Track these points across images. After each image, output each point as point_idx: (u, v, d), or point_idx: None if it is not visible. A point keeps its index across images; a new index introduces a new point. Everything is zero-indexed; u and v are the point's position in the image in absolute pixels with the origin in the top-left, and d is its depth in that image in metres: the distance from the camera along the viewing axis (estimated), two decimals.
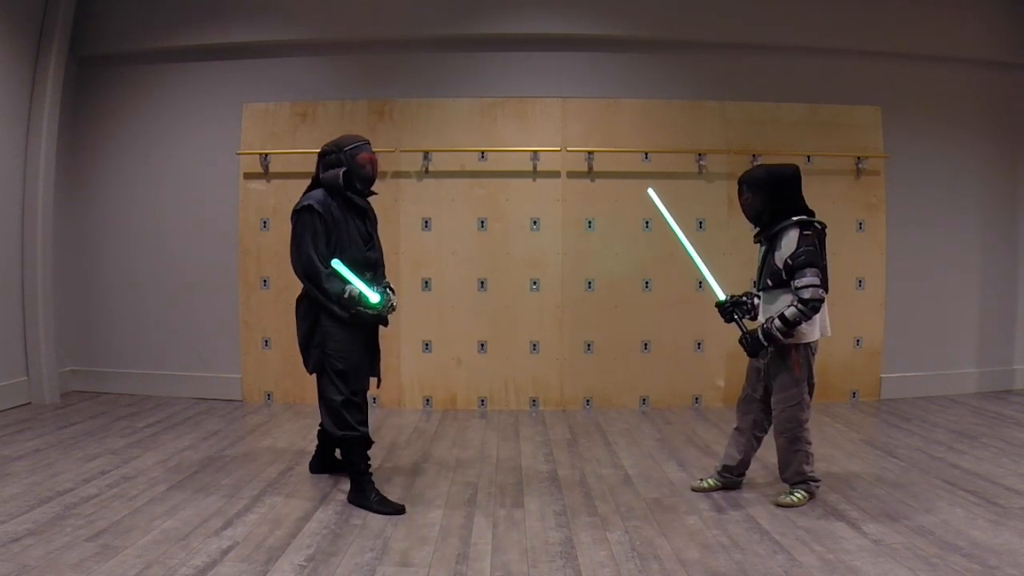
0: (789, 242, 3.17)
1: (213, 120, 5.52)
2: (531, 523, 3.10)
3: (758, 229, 3.34)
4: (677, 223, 3.55)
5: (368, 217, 3.50)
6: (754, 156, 5.35)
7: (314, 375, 3.41)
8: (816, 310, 3.13)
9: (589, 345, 5.41)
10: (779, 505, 3.27)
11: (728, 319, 3.39)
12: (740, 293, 3.44)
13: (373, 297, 3.24)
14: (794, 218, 3.20)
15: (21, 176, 5.24)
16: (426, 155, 5.35)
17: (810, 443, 3.31)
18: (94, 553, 2.70)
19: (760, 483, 3.59)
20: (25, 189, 5.25)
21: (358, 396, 3.37)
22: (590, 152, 5.34)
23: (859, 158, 5.47)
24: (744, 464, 3.47)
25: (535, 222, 5.41)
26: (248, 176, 5.46)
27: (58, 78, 5.32)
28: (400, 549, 2.82)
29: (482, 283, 5.40)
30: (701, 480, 3.53)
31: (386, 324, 3.52)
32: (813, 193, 5.37)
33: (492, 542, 2.90)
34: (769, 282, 3.25)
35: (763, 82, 5.52)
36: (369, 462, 3.38)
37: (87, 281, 5.73)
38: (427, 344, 5.41)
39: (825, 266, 3.21)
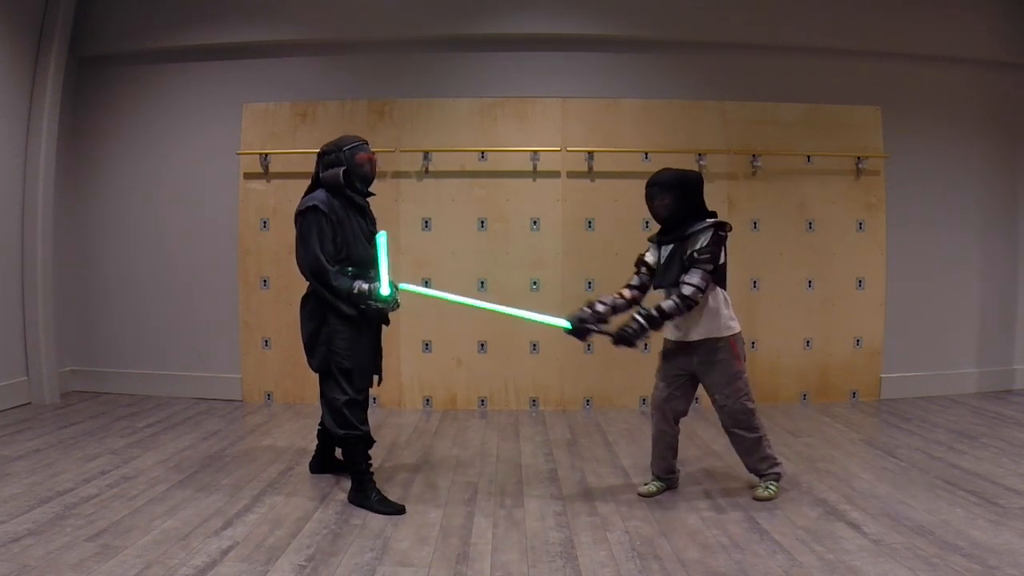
0: (703, 240, 3.26)
1: (213, 120, 5.52)
2: (531, 523, 3.10)
3: (660, 229, 3.42)
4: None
5: (367, 216, 3.51)
6: (754, 156, 5.36)
7: (317, 374, 3.41)
8: (690, 308, 3.24)
9: (589, 345, 5.40)
10: (758, 499, 3.33)
11: (584, 337, 3.36)
12: (576, 310, 3.36)
13: (384, 289, 3.24)
14: (709, 220, 3.31)
15: (21, 176, 5.24)
16: (426, 155, 5.35)
17: (763, 426, 3.41)
18: (94, 553, 2.70)
19: (759, 483, 3.58)
20: (25, 189, 5.25)
21: (362, 395, 3.38)
22: (590, 152, 5.34)
23: (859, 158, 5.47)
24: (675, 457, 3.52)
25: (535, 222, 5.40)
26: (248, 176, 5.46)
27: (58, 78, 5.32)
28: (400, 549, 2.82)
29: (482, 283, 5.40)
30: (646, 484, 3.50)
31: (387, 323, 3.53)
32: (813, 193, 5.50)
33: (492, 542, 2.90)
34: (674, 279, 3.33)
35: (763, 82, 5.51)
36: (370, 461, 3.38)
37: (87, 281, 5.73)
38: (427, 344, 5.41)
39: (725, 266, 3.34)
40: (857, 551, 2.77)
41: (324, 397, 3.37)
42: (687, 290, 3.21)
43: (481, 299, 5.35)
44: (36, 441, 4.25)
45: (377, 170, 3.55)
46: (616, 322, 3.35)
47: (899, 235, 5.58)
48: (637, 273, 3.47)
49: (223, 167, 5.48)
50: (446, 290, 5.34)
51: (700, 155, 5.31)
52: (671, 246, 3.36)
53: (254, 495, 3.39)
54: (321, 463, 3.75)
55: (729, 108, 5.46)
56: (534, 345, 5.41)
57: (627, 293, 3.45)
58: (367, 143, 3.47)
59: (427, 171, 5.38)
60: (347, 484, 3.45)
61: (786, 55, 5.52)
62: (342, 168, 3.34)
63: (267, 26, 5.41)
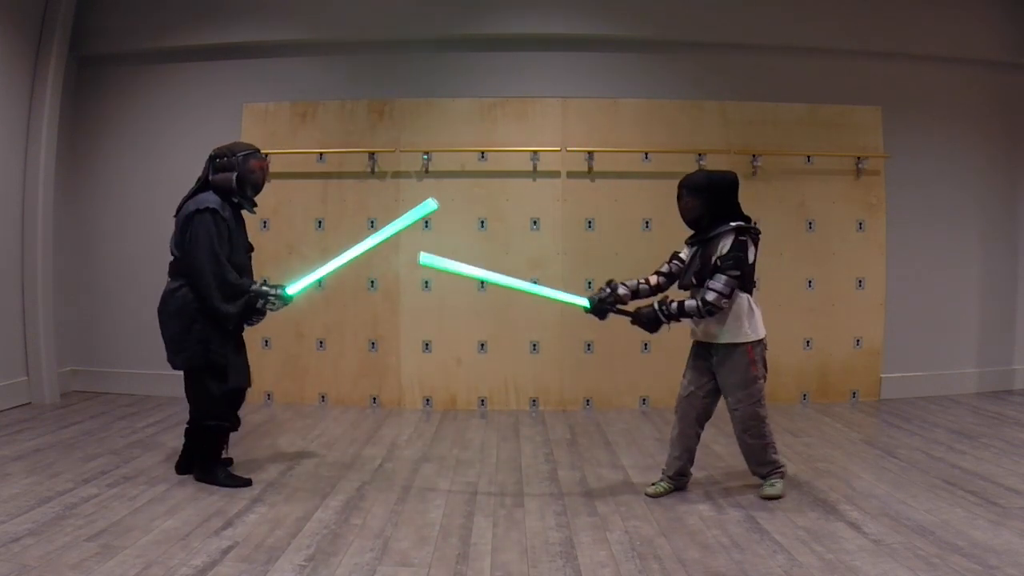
0: (724, 245, 3.27)
1: (213, 120, 5.50)
2: (531, 523, 3.10)
3: (692, 232, 3.43)
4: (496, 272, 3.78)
5: (243, 226, 3.66)
6: (754, 156, 5.36)
7: (185, 372, 3.57)
8: (711, 314, 3.26)
9: (589, 345, 5.41)
10: (764, 497, 3.34)
11: (603, 316, 3.44)
12: (596, 290, 3.49)
13: (292, 288, 3.55)
14: (732, 224, 3.29)
15: (21, 176, 5.24)
16: (426, 155, 5.35)
17: (771, 432, 3.42)
18: (94, 553, 2.70)
19: (758, 483, 3.58)
20: (25, 189, 5.25)
21: (236, 393, 3.58)
22: (590, 152, 5.34)
23: (859, 158, 5.47)
24: (691, 462, 3.51)
25: (535, 222, 5.40)
26: None
27: (58, 78, 5.32)
28: (400, 549, 2.82)
29: (482, 283, 5.39)
30: (654, 485, 3.49)
31: (249, 325, 3.64)
32: (813, 193, 5.50)
33: (492, 542, 2.90)
34: (694, 280, 3.35)
35: (763, 82, 5.51)
36: (224, 447, 3.60)
37: (87, 281, 5.73)
38: (427, 344, 5.41)
39: (752, 270, 3.32)
40: (857, 551, 2.77)
41: (194, 391, 3.53)
42: (710, 296, 3.21)
43: (480, 299, 5.39)
44: (36, 441, 4.25)
45: (268, 176, 3.68)
46: (636, 305, 3.40)
47: (899, 235, 5.58)
48: (668, 262, 3.50)
49: None
50: (446, 290, 5.39)
51: (700, 155, 5.31)
52: (696, 248, 3.40)
53: (254, 495, 3.39)
54: (188, 463, 3.67)
55: (729, 108, 5.46)
56: (534, 345, 5.41)
57: (653, 279, 3.49)
58: (260, 151, 3.62)
59: (427, 171, 5.38)
60: (347, 486, 3.49)
61: (786, 55, 5.52)
62: (234, 173, 3.48)
63: (267, 26, 5.41)
